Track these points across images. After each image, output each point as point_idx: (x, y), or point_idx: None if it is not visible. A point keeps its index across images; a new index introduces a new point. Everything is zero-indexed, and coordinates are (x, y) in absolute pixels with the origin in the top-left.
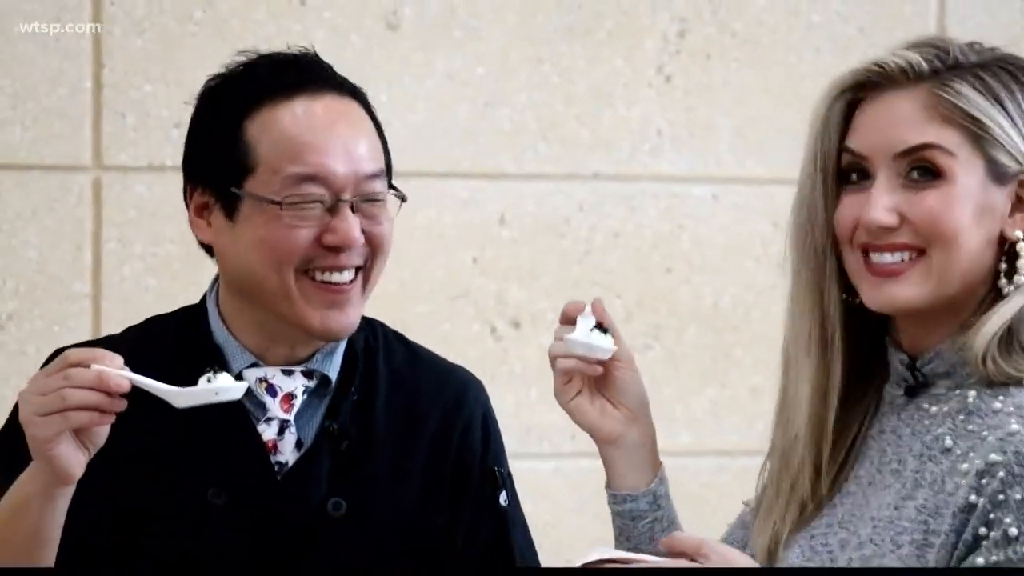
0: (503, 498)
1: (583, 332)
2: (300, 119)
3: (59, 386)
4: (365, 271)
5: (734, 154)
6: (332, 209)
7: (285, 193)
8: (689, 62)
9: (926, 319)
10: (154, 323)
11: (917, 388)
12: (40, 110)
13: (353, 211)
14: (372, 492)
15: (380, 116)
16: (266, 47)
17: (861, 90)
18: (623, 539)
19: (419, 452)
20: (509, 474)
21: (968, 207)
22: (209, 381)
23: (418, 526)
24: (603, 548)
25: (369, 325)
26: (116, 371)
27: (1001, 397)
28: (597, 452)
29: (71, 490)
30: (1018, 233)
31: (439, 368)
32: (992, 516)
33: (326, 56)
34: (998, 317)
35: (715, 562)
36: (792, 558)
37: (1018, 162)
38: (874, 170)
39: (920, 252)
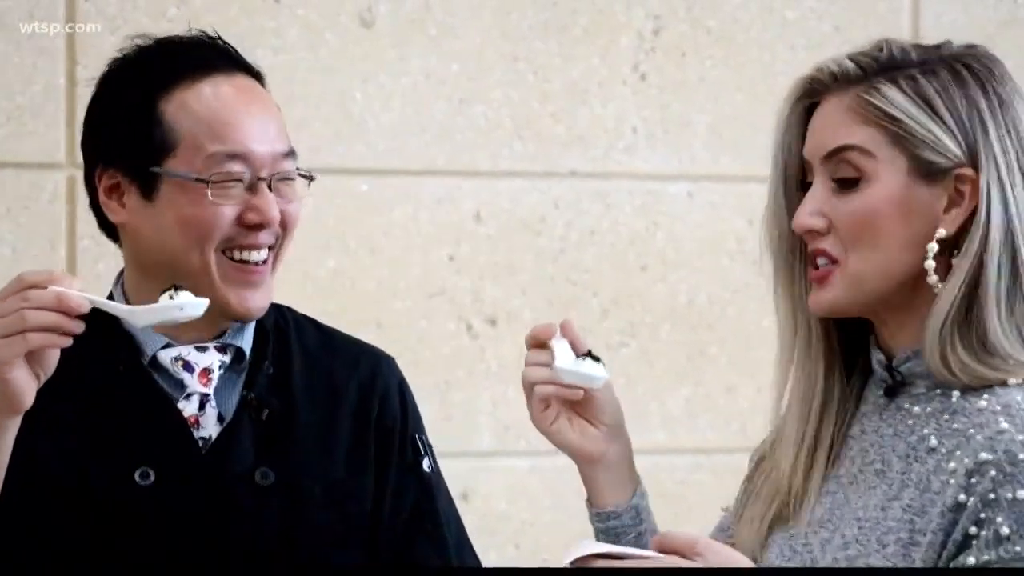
0: (426, 464)
1: (569, 360)
2: (219, 98)
3: (17, 307)
4: (275, 250)
5: (709, 151)
6: (251, 188)
7: (210, 171)
8: (664, 60)
9: (892, 318)
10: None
11: (896, 388)
12: (14, 107)
13: (270, 189)
14: (298, 459)
15: (355, 113)
16: (238, 44)
17: (815, 95)
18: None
19: (341, 424)
20: (430, 444)
21: (891, 207)
22: (171, 299)
23: (348, 488)
24: (588, 542)
25: (277, 307)
26: (76, 292)
27: (986, 396)
28: None
29: (17, 423)
30: (941, 231)
31: (350, 345)
32: (983, 515)
33: (300, 53)
34: (932, 324)
35: (711, 560)
36: (771, 558)
37: (947, 158)
38: (812, 175)
39: (835, 260)
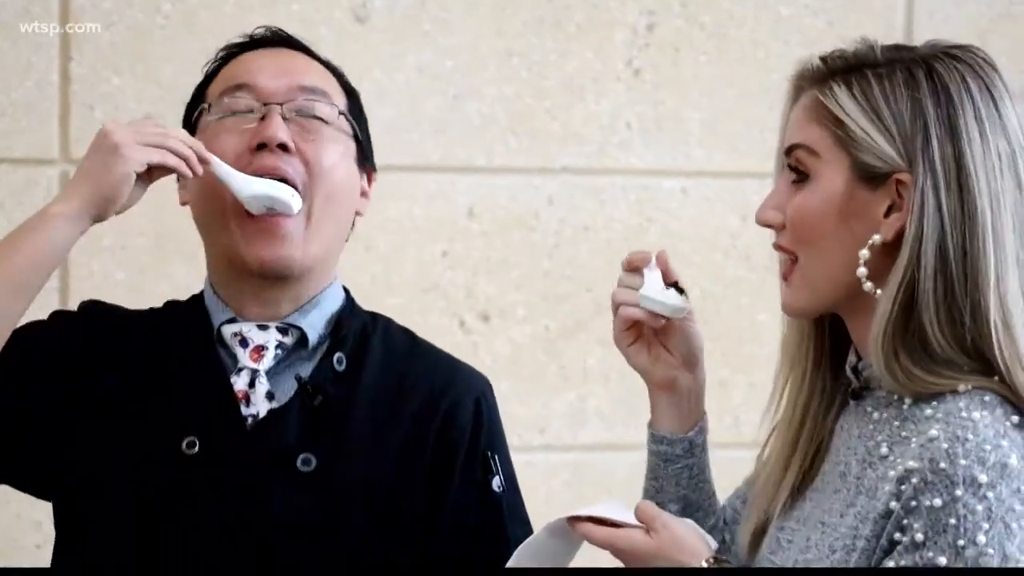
0: (496, 483)
1: (656, 289)
2: (248, 57)
3: (163, 130)
4: (307, 205)
5: (703, 147)
6: (263, 118)
7: (212, 113)
8: (658, 56)
9: (854, 321)
10: (175, 302)
11: (862, 391)
12: (7, 103)
13: (285, 119)
14: (345, 453)
15: None
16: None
17: (798, 91)
18: (651, 476)
19: (400, 423)
20: (510, 465)
21: (831, 207)
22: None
23: (390, 494)
24: (602, 505)
25: (372, 316)
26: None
27: (934, 403)
28: (566, 446)
29: (85, 227)
30: (876, 237)
31: (436, 357)
32: (905, 522)
33: None
34: (872, 334)
35: (663, 536)
36: (763, 548)
37: (886, 163)
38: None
39: (795, 258)
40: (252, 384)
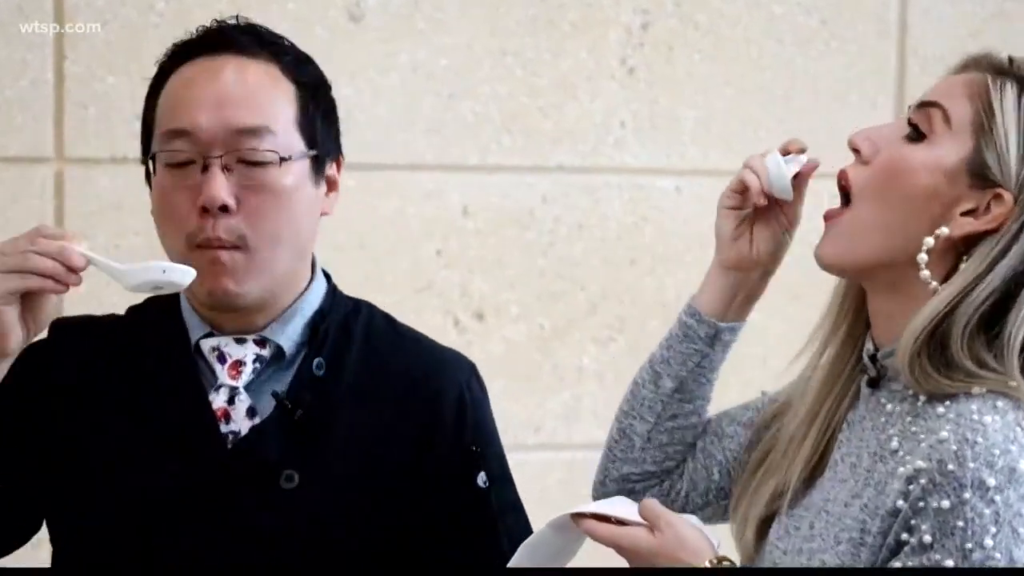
0: (481, 478)
1: (780, 166)
2: (186, 76)
3: (24, 249)
4: (253, 247)
5: (697, 146)
6: (205, 169)
7: (158, 149)
8: (652, 54)
9: (884, 305)
10: (151, 302)
11: (879, 380)
12: (2, 102)
13: (228, 171)
14: (327, 466)
15: (343, 108)
16: None
17: (966, 69)
18: (665, 345)
19: (385, 431)
20: (497, 455)
21: (930, 176)
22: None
23: (374, 503)
24: (604, 503)
25: (355, 305)
26: (77, 248)
27: (947, 403)
28: (561, 445)
29: (3, 368)
30: (944, 229)
31: (420, 347)
32: (912, 523)
33: None
34: (909, 330)
35: (667, 536)
36: (771, 535)
37: (1003, 174)
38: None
39: (847, 203)
40: (231, 401)
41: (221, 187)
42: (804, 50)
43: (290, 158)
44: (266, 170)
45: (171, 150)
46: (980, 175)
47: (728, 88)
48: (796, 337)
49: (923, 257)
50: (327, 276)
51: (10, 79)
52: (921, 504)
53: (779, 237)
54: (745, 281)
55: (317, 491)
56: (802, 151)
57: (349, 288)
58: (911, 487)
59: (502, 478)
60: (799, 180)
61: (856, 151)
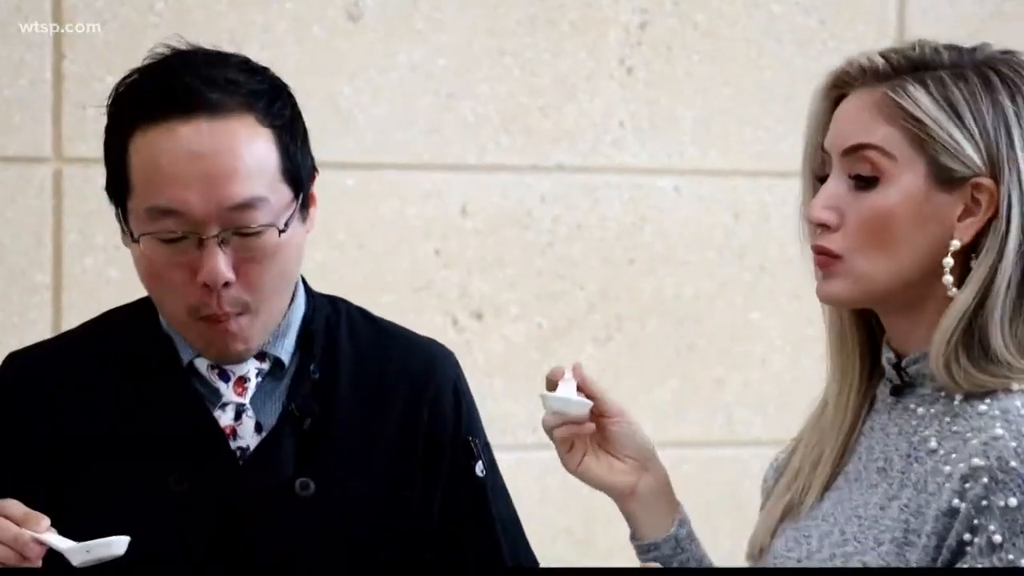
0: (479, 468)
1: (558, 392)
2: (164, 146)
3: None
4: (254, 308)
5: (696, 146)
6: (200, 243)
7: (147, 227)
8: (651, 54)
9: (902, 318)
10: (108, 317)
11: (904, 388)
12: (1, 101)
13: (225, 244)
14: (340, 470)
15: (342, 107)
16: (227, 39)
17: (842, 88)
18: None
19: (388, 426)
20: (487, 444)
21: (908, 211)
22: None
23: (390, 500)
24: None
25: (332, 304)
26: (33, 535)
27: (988, 400)
28: None
29: None
30: (955, 242)
31: (407, 341)
32: (976, 522)
33: (288, 48)
34: (940, 332)
35: None
36: (777, 546)
37: (967, 167)
38: (831, 168)
39: (837, 257)
40: (238, 417)
41: (222, 265)
42: (803, 50)
43: (286, 227)
44: (262, 239)
45: (160, 229)
46: (949, 180)
47: (727, 88)
48: (796, 337)
49: (948, 279)
50: (301, 278)
51: (8, 79)
52: (984, 503)
53: (623, 428)
54: (648, 489)
55: (334, 495)
56: (562, 372)
57: (348, 288)
58: (968, 485)
59: (492, 465)
60: (584, 388)
61: (823, 226)
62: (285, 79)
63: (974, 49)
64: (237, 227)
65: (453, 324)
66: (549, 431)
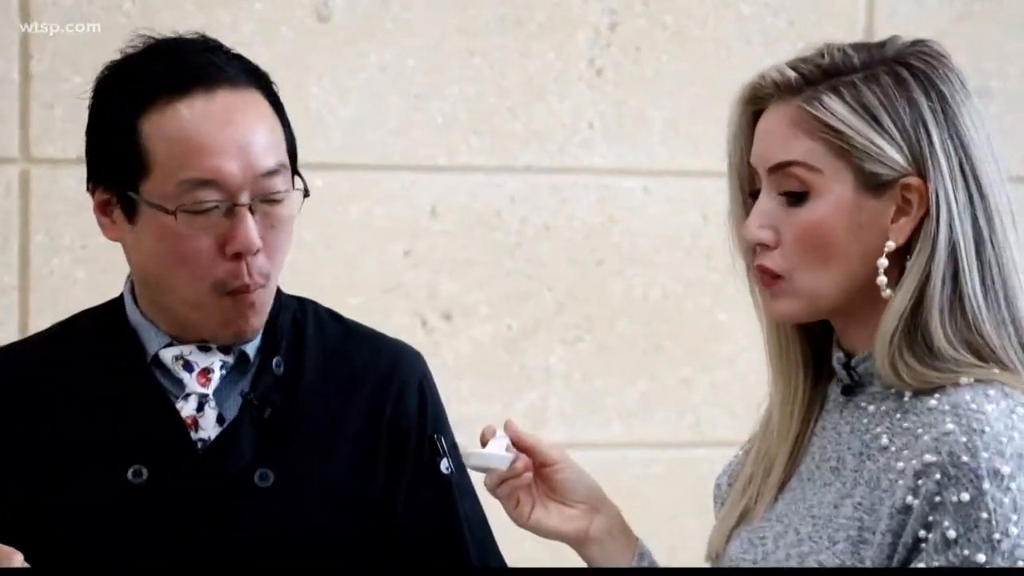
0: (444, 465)
1: (488, 449)
2: (193, 119)
3: None
4: (268, 283)
5: (665, 147)
6: (229, 213)
7: (180, 200)
8: (620, 55)
9: (849, 323)
10: (78, 318)
11: (854, 387)
12: None
13: (253, 212)
14: (301, 462)
15: (311, 108)
16: None
17: (759, 103)
18: None
19: (351, 420)
20: (454, 445)
21: (841, 222)
22: None
23: (351, 495)
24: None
25: (299, 303)
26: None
27: (937, 395)
28: None
29: None
30: (891, 243)
31: (374, 341)
32: (931, 519)
33: (256, 48)
34: (881, 334)
35: None
36: (733, 550)
37: (893, 169)
38: (760, 184)
39: (778, 277)
40: (200, 408)
41: (252, 233)
42: (772, 50)
43: (297, 189)
44: (284, 206)
45: (198, 200)
46: (877, 185)
47: (696, 88)
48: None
49: (883, 279)
50: None
51: None
52: (938, 499)
53: (566, 475)
54: (601, 530)
55: (293, 487)
56: (493, 431)
57: (317, 289)
58: (920, 482)
59: (460, 466)
60: (518, 442)
61: (761, 245)
62: None
63: (883, 44)
64: (266, 194)
65: (422, 325)
66: (490, 491)
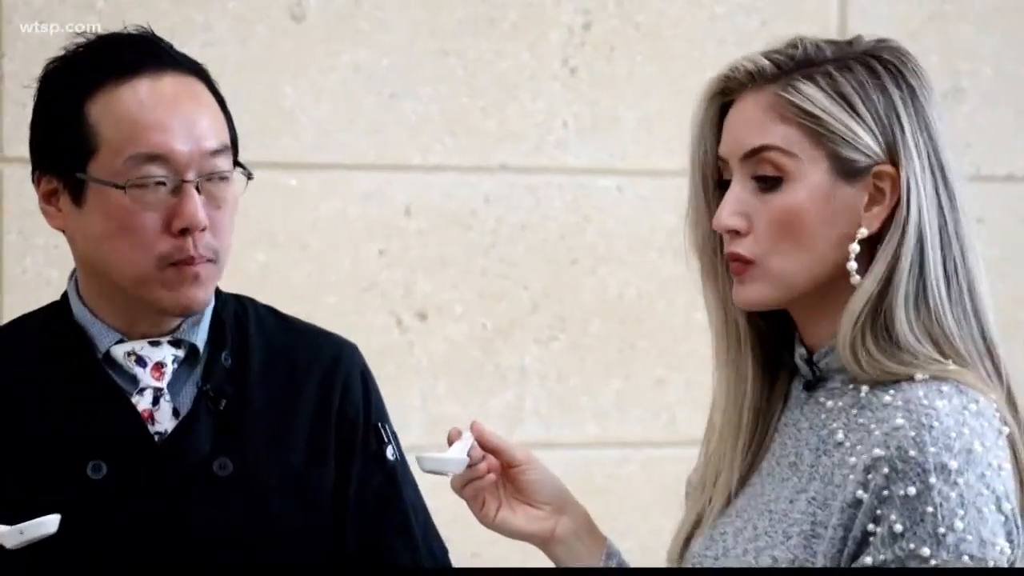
0: (390, 452)
1: (451, 451)
2: (141, 99)
3: None
4: (217, 261)
5: (639, 146)
6: (176, 190)
7: (128, 176)
8: (593, 54)
9: (811, 312)
10: (22, 320)
11: (815, 382)
12: None
13: (198, 191)
14: (257, 449)
15: (284, 107)
16: (168, 37)
17: (729, 94)
18: None
19: (301, 409)
20: (394, 433)
21: (816, 206)
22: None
23: (306, 482)
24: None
25: (238, 299)
26: None
27: (892, 391)
28: None
29: None
30: (863, 231)
31: (313, 334)
32: (879, 512)
33: (230, 47)
34: (847, 315)
35: None
36: (695, 547)
37: (867, 156)
38: (731, 174)
39: (750, 262)
40: (156, 402)
41: (199, 210)
42: (744, 51)
43: (240, 167)
44: (228, 186)
45: (145, 175)
46: (852, 171)
47: (669, 88)
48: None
49: (853, 265)
50: None
51: None
52: (886, 493)
53: (532, 476)
54: (568, 530)
55: (251, 475)
56: (459, 432)
57: (291, 288)
58: (870, 476)
59: (402, 455)
60: (484, 443)
61: (733, 232)
62: (227, 78)
63: (851, 42)
64: (212, 172)
65: (397, 324)
66: (456, 491)
